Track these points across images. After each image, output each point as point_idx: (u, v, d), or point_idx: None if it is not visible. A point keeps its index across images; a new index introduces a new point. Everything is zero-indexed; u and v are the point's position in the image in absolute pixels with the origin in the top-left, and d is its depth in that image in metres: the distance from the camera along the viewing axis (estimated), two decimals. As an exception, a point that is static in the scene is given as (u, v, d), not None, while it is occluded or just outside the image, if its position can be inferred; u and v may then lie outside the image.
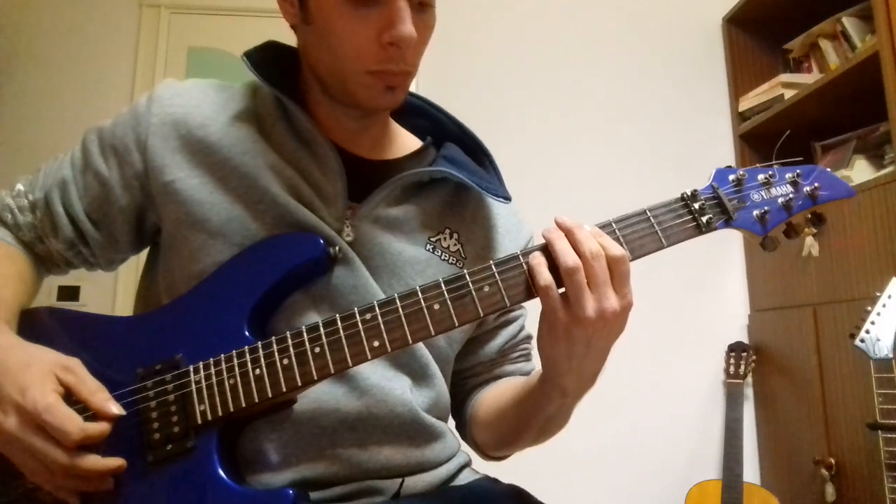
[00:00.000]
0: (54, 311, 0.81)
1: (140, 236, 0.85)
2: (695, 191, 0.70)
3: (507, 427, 0.82)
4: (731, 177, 0.72)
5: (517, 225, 0.91)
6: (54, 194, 0.81)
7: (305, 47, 0.81)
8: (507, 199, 0.85)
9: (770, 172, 0.72)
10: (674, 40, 2.51)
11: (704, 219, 0.69)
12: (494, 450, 0.87)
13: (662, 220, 0.69)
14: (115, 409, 0.67)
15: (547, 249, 0.66)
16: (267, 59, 0.83)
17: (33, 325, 0.75)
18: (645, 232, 0.68)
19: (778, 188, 0.71)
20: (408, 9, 0.72)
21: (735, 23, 2.47)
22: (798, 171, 0.72)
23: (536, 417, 0.77)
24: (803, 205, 0.71)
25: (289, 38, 0.87)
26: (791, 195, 0.71)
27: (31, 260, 0.83)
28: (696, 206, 0.70)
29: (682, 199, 0.70)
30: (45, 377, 0.65)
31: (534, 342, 0.77)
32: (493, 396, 0.85)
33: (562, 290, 0.65)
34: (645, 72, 2.48)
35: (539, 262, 0.65)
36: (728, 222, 0.70)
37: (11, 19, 2.38)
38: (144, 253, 0.89)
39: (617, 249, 0.65)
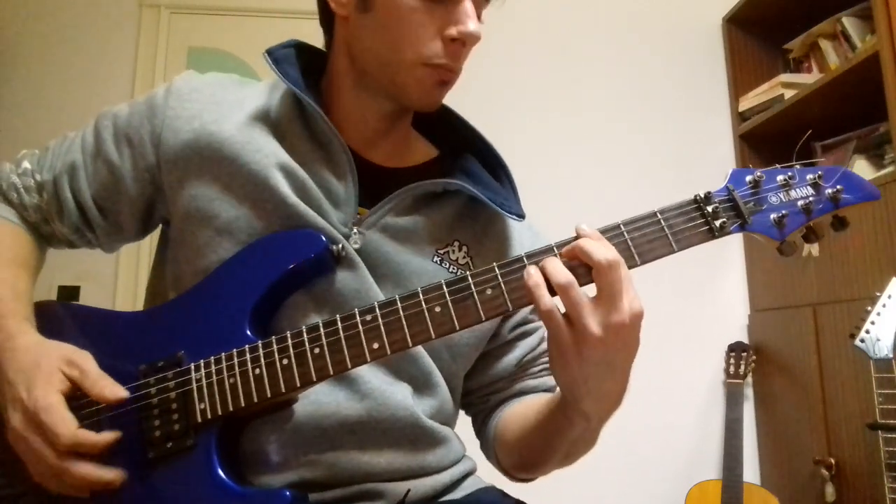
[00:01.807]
0: (63, 305, 0.81)
1: (146, 226, 0.85)
2: (708, 193, 0.67)
3: (531, 451, 0.79)
4: (749, 178, 0.68)
5: (532, 238, 0.88)
6: (63, 179, 0.81)
7: (352, 38, 0.79)
8: (521, 216, 0.83)
9: (790, 173, 0.68)
10: (674, 40, 2.51)
11: (718, 223, 0.66)
12: (520, 472, 0.84)
13: (673, 223, 0.66)
14: (114, 394, 0.67)
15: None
16: (289, 57, 0.83)
17: (42, 319, 0.75)
18: (655, 236, 0.66)
19: (798, 190, 0.68)
20: (474, 9, 0.75)
21: (735, 23, 2.47)
22: (820, 172, 0.68)
23: (560, 441, 0.74)
24: (824, 208, 0.67)
25: (291, 37, 0.87)
26: (811, 198, 0.67)
27: (36, 240, 0.83)
28: (710, 208, 0.66)
29: (695, 201, 0.67)
30: (51, 375, 0.66)
31: None
32: (517, 419, 0.82)
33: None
34: (645, 72, 2.48)
35: (536, 282, 0.61)
36: (743, 226, 0.67)
37: (11, 19, 2.38)
38: (146, 250, 0.89)
39: (603, 255, 0.61)
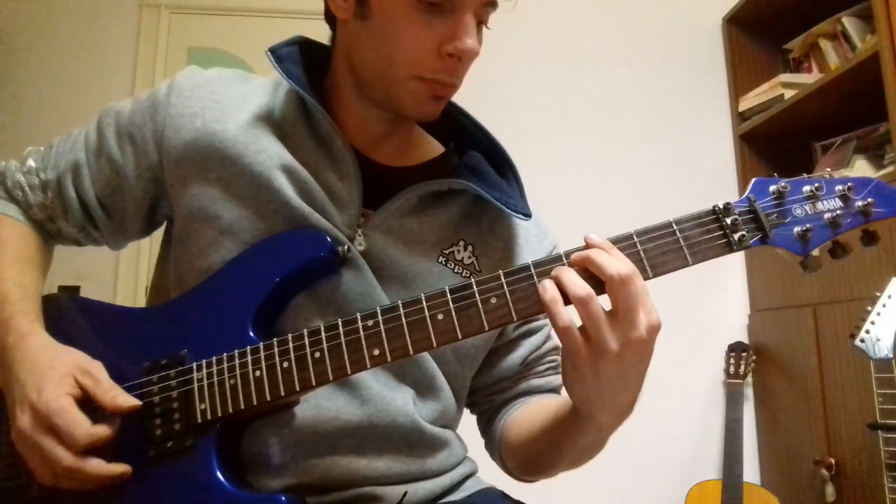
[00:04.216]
0: (70, 298, 0.81)
1: (150, 224, 0.85)
2: (728, 204, 0.64)
3: (538, 455, 0.79)
4: (772, 188, 0.65)
5: (539, 235, 0.87)
6: (67, 177, 0.81)
7: (351, 44, 0.77)
8: (527, 215, 0.81)
9: (817, 184, 0.64)
10: (674, 40, 2.51)
11: (736, 236, 0.63)
12: (525, 473, 0.84)
13: (689, 234, 0.63)
14: (127, 402, 0.67)
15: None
16: (292, 55, 0.81)
17: (50, 313, 0.75)
18: (669, 247, 0.63)
19: (825, 202, 0.64)
20: (474, 23, 0.72)
21: (735, 23, 2.47)
22: (850, 183, 0.64)
23: (570, 448, 0.73)
24: (853, 222, 0.63)
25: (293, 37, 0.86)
26: (840, 211, 0.63)
27: (43, 237, 0.83)
28: (729, 220, 0.64)
29: (714, 212, 0.64)
30: (62, 379, 0.66)
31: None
32: (523, 422, 0.81)
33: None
34: (645, 72, 2.47)
35: (553, 297, 0.59)
36: (764, 240, 0.64)
37: (11, 20, 2.38)
38: (146, 250, 0.89)
39: (616, 270, 0.59)
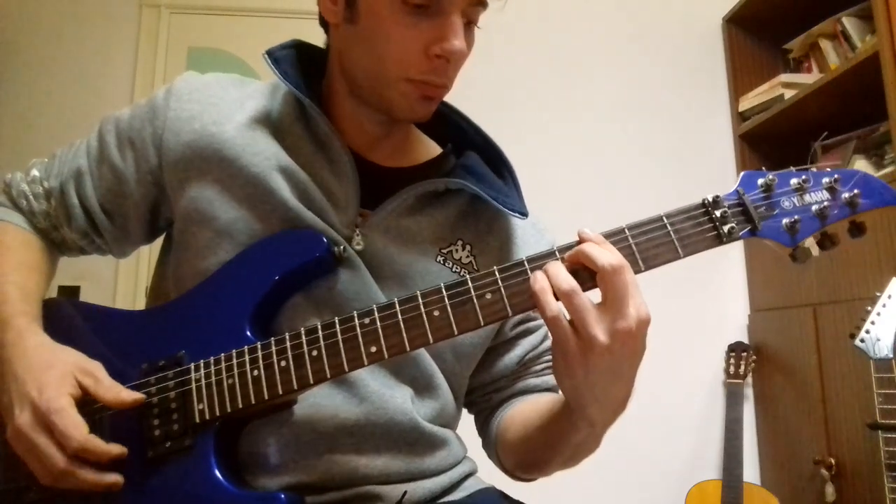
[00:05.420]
0: (69, 301, 0.82)
1: (153, 229, 0.85)
2: (717, 197, 0.65)
3: (533, 453, 0.79)
4: (760, 181, 0.66)
5: (536, 235, 0.88)
6: (69, 185, 0.81)
7: (343, 48, 0.78)
8: (524, 214, 0.81)
9: (804, 177, 0.65)
10: (674, 40, 2.51)
11: (726, 228, 0.64)
12: (522, 472, 0.83)
13: (680, 227, 0.64)
14: (131, 396, 0.67)
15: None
16: (289, 57, 0.82)
17: (49, 316, 0.76)
18: (660, 241, 0.64)
19: (812, 194, 0.65)
20: (461, 24, 0.72)
21: (735, 23, 2.47)
22: (836, 175, 0.65)
23: (563, 445, 0.73)
24: (840, 213, 0.64)
25: (291, 37, 0.86)
26: (827, 203, 0.64)
27: (47, 246, 0.84)
28: (718, 213, 0.64)
29: (703, 205, 0.65)
30: (64, 379, 0.66)
31: None
32: (519, 420, 0.82)
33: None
34: (645, 72, 2.48)
35: (542, 287, 0.61)
36: (753, 232, 0.64)
37: (11, 19, 2.38)
38: (146, 250, 0.89)
39: (607, 260, 0.60)
